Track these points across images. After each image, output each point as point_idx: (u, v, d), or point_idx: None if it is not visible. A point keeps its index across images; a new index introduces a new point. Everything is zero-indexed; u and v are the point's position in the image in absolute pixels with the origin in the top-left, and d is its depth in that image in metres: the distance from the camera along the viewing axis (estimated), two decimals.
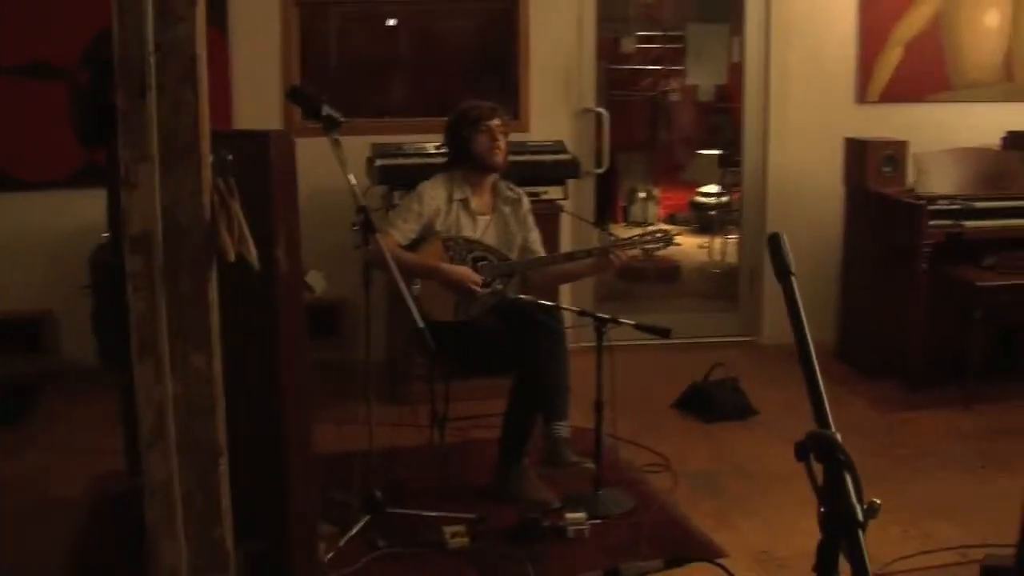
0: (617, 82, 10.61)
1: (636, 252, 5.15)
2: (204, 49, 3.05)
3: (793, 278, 2.18)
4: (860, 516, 1.80)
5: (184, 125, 3.02)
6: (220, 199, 3.11)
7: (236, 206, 3.13)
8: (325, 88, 7.10)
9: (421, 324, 4.10)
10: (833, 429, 1.90)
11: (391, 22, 7.66)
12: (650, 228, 5.39)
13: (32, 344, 6.97)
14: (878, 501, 1.83)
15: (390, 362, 6.49)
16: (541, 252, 5.28)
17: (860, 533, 1.78)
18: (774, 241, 2.21)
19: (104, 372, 6.47)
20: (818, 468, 1.91)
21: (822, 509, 1.84)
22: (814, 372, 2.02)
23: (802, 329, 2.08)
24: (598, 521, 4.71)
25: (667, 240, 5.16)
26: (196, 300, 3.09)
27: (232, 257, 3.08)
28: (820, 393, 1.99)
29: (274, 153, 3.52)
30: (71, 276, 6.67)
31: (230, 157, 3.15)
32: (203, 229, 3.06)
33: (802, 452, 1.89)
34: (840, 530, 1.81)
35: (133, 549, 3.79)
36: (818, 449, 1.87)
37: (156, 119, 2.98)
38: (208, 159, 3.08)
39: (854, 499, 1.81)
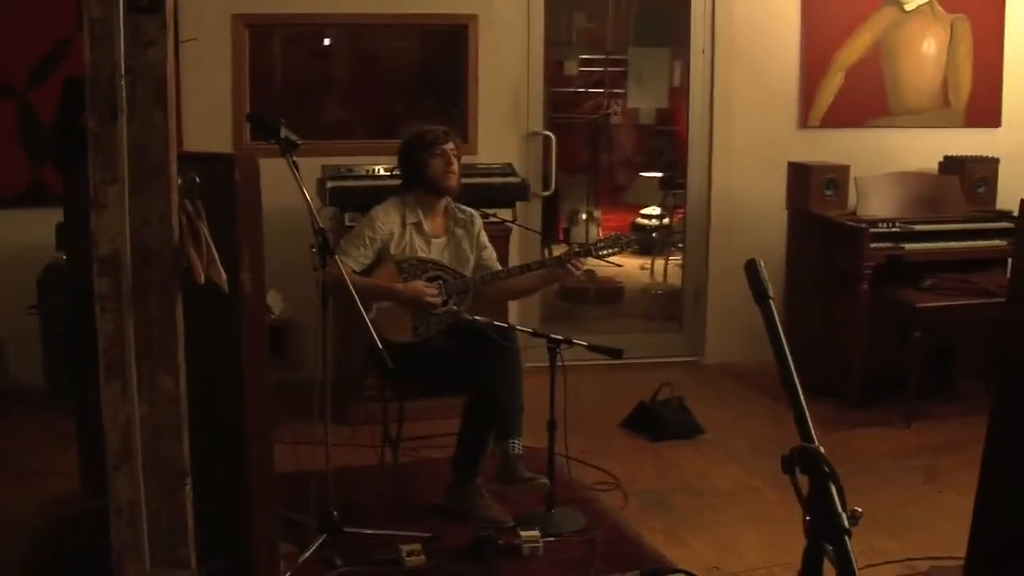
0: (559, 104, 10.63)
1: (590, 268, 5.20)
2: (173, 72, 3.07)
3: (771, 301, 2.25)
4: (846, 523, 1.91)
5: (154, 147, 3.04)
6: (188, 221, 3.13)
7: (204, 228, 3.15)
8: (271, 109, 7.11)
9: (379, 345, 4.13)
10: (817, 443, 1.98)
11: (331, 43, 7.67)
12: (610, 235, 5.41)
13: None
14: (860, 509, 1.92)
15: (341, 383, 6.49)
16: (496, 267, 5.32)
17: (847, 539, 1.89)
18: (752, 267, 2.28)
19: (52, 394, 6.47)
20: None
21: (807, 518, 1.93)
22: (796, 390, 2.11)
23: (782, 349, 2.16)
24: (552, 539, 4.76)
25: (624, 243, 5.17)
26: (164, 321, 3.11)
27: (202, 280, 3.10)
28: (803, 410, 2.08)
29: (239, 175, 3.54)
30: (17, 297, 6.65)
31: (198, 179, 3.18)
32: (172, 251, 3.08)
33: (788, 465, 1.97)
34: (824, 537, 1.92)
35: (91, 570, 3.80)
36: (804, 462, 1.96)
37: (126, 141, 3.01)
38: (176, 181, 3.11)
39: (839, 508, 1.89)
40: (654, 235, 10.67)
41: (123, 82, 2.98)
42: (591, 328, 8.39)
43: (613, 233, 5.41)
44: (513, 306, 6.96)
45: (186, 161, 3.18)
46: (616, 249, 5.12)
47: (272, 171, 4.33)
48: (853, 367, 6.71)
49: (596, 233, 10.99)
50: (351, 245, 5.07)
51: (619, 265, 5.47)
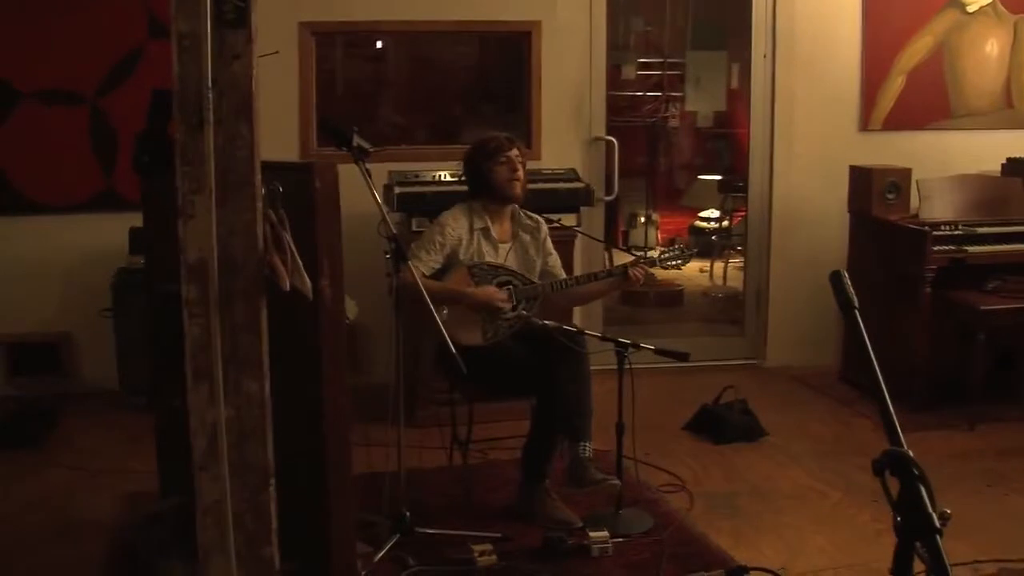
0: (617, 108, 10.68)
1: (655, 268, 5.25)
2: (259, 85, 3.14)
3: (856, 311, 2.28)
4: (937, 523, 1.98)
5: (240, 158, 3.11)
6: (272, 230, 3.20)
7: (288, 237, 3.22)
8: (334, 116, 7.18)
9: (453, 348, 4.18)
10: (905, 447, 2.03)
11: (392, 49, 7.74)
12: (675, 248, 5.50)
13: (52, 366, 7.04)
14: (948, 511, 1.97)
15: (410, 386, 6.55)
16: (562, 274, 5.37)
17: (938, 539, 1.96)
18: (837, 278, 2.32)
19: (125, 394, 6.58)
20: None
21: (898, 519, 2.00)
22: (884, 396, 2.16)
23: (869, 358, 2.20)
24: (620, 539, 4.79)
25: (687, 256, 5.27)
26: (249, 327, 3.18)
27: (288, 287, 3.17)
28: (891, 416, 2.14)
29: (319, 184, 3.61)
30: (91, 299, 6.77)
31: (280, 188, 3.25)
32: (257, 259, 3.15)
33: (879, 467, 2.02)
34: (916, 536, 1.99)
35: (173, 568, 3.88)
36: (894, 465, 2.00)
37: (213, 152, 3.08)
38: (261, 191, 3.17)
39: (930, 509, 1.96)
40: (713, 238, 10.68)
41: (210, 94, 3.05)
42: (652, 331, 8.42)
43: (678, 246, 5.48)
44: (577, 310, 7.00)
45: (269, 170, 3.25)
46: (680, 261, 5.23)
47: (342, 176, 4.39)
48: (916, 370, 6.69)
49: (655, 236, 11.03)
50: (421, 250, 5.13)
51: (679, 267, 5.51)
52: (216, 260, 3.12)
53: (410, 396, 6.42)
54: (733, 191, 9.79)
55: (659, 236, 11.22)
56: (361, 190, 4.42)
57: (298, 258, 3.23)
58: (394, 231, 4.47)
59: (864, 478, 5.59)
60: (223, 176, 3.10)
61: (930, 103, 7.88)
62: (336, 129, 4.59)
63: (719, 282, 10.14)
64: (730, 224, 10.31)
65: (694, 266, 10.46)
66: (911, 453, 2.01)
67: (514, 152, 5.23)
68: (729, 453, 6.09)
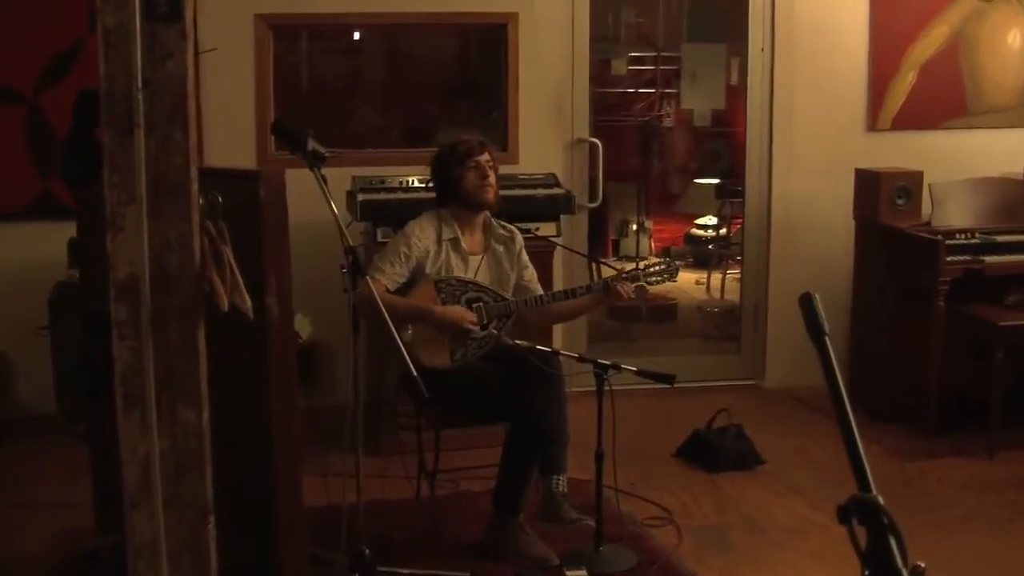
0: (607, 107, 10.70)
1: (640, 284, 5.24)
2: (194, 86, 3.13)
3: (827, 339, 2.27)
4: None
5: (174, 165, 3.09)
6: (211, 244, 3.19)
7: (228, 251, 3.21)
8: (298, 118, 7.17)
9: (414, 372, 4.17)
10: (875, 492, 2.01)
11: (362, 43, 7.74)
12: (653, 260, 5.50)
13: None
14: (923, 564, 1.94)
15: (373, 410, 6.54)
16: (538, 290, 5.37)
17: None
18: (807, 301, 2.30)
19: (63, 420, 6.55)
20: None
21: (866, 573, 1.95)
22: (852, 434, 2.14)
23: (838, 390, 2.18)
24: None
25: (672, 271, 5.25)
26: (185, 350, 3.16)
27: (226, 306, 3.15)
28: (860, 456, 2.11)
29: (265, 193, 3.60)
30: (27, 316, 6.73)
31: (220, 199, 3.24)
32: (193, 275, 3.13)
33: (845, 516, 1.99)
34: None
35: None
36: (861, 513, 1.98)
37: (144, 159, 3.06)
38: (198, 201, 3.16)
39: (899, 563, 1.92)
40: (710, 247, 10.69)
41: (140, 96, 3.04)
42: (642, 349, 8.43)
43: (665, 259, 5.48)
44: (559, 326, 6.99)
45: (208, 178, 3.24)
46: (664, 277, 5.22)
47: (299, 183, 4.40)
48: (929, 391, 6.69)
49: (648, 245, 11.03)
50: (385, 262, 5.13)
51: (672, 280, 5.50)
52: (148, 277, 3.10)
53: (374, 421, 6.42)
54: (732, 196, 9.79)
55: (652, 245, 11.23)
56: (322, 197, 4.42)
57: (238, 274, 3.22)
58: (351, 242, 4.45)
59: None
60: (155, 185, 3.08)
61: (945, 100, 7.88)
62: (289, 132, 4.57)
63: (717, 295, 10.14)
64: (728, 232, 10.32)
65: (690, 277, 10.47)
66: (880, 500, 1.99)
67: (484, 156, 5.24)
68: (722, 482, 6.08)
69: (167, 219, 3.11)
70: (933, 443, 6.57)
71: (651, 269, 5.24)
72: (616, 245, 11.19)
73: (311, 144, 4.46)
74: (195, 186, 3.14)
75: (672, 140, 11.38)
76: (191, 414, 3.19)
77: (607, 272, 5.51)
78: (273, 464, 3.70)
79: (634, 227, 11.00)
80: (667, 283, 5.39)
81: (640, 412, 6.85)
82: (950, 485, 6.04)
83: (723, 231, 10.54)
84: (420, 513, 5.38)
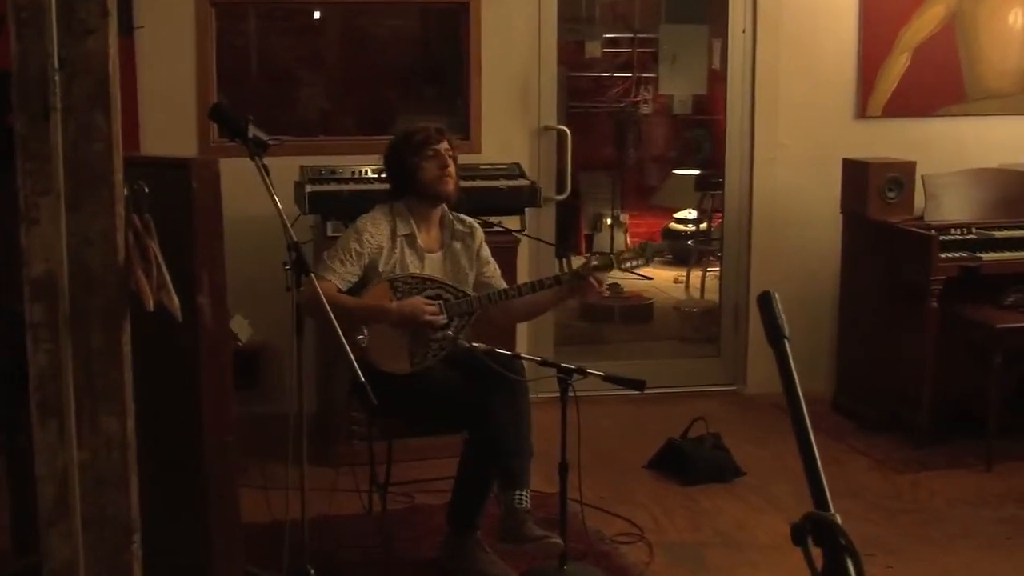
0: (580, 92, 10.70)
1: (613, 273, 5.19)
2: (116, 66, 3.09)
3: (787, 342, 2.25)
4: None
5: (95, 153, 3.05)
6: (136, 239, 3.15)
7: (154, 247, 3.17)
8: (245, 103, 7.13)
9: (362, 378, 4.14)
10: (832, 510, 1.98)
11: (315, 23, 7.70)
12: (636, 245, 5.41)
13: None
14: None
15: (322, 418, 6.51)
16: (501, 285, 5.33)
17: None
18: (766, 301, 2.28)
19: None
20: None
21: None
22: (811, 447, 2.11)
23: (797, 399, 2.16)
24: None
25: (648, 255, 5.16)
26: (108, 354, 3.12)
27: (152, 306, 3.12)
28: (818, 471, 2.08)
29: (196, 184, 3.57)
30: None
31: (147, 189, 3.20)
32: (116, 273, 3.10)
33: (799, 535, 1.96)
34: None
35: None
36: (817, 533, 1.95)
37: (62, 146, 3.02)
38: (122, 192, 3.12)
39: None
40: (690, 243, 10.67)
41: (56, 77, 2.99)
42: (614, 352, 8.42)
43: (640, 242, 5.41)
44: (523, 327, 6.97)
45: (134, 167, 3.20)
46: (642, 261, 5.12)
47: (244, 173, 4.34)
48: (921, 398, 6.67)
49: (623, 241, 11.01)
50: (335, 260, 5.08)
51: (649, 278, 5.48)
52: (67, 274, 3.07)
53: (326, 430, 6.40)
54: (712, 188, 9.76)
55: (628, 240, 11.22)
56: (262, 191, 4.38)
57: (165, 271, 3.18)
58: (295, 238, 4.40)
59: (858, 526, 5.56)
60: (75, 175, 3.05)
61: (940, 85, 7.86)
62: (228, 117, 4.54)
63: (697, 294, 10.13)
64: (709, 227, 10.31)
65: (667, 275, 10.46)
66: (838, 519, 1.96)
67: (444, 145, 5.20)
68: (698, 496, 6.06)
69: (88, 212, 3.08)
70: (926, 454, 6.57)
71: (625, 254, 5.16)
72: (589, 241, 11.17)
73: (252, 131, 4.43)
74: (119, 176, 3.10)
75: (650, 128, 11.38)
76: (114, 423, 3.16)
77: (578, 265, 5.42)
78: (205, 477, 3.66)
79: (608, 221, 10.98)
80: (644, 280, 5.37)
81: (611, 420, 6.83)
82: (944, 499, 6.02)
83: (703, 226, 10.52)
84: (371, 529, 5.34)
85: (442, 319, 5.04)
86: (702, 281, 10.16)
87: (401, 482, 5.52)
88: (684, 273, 10.49)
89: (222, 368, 3.80)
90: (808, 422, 2.14)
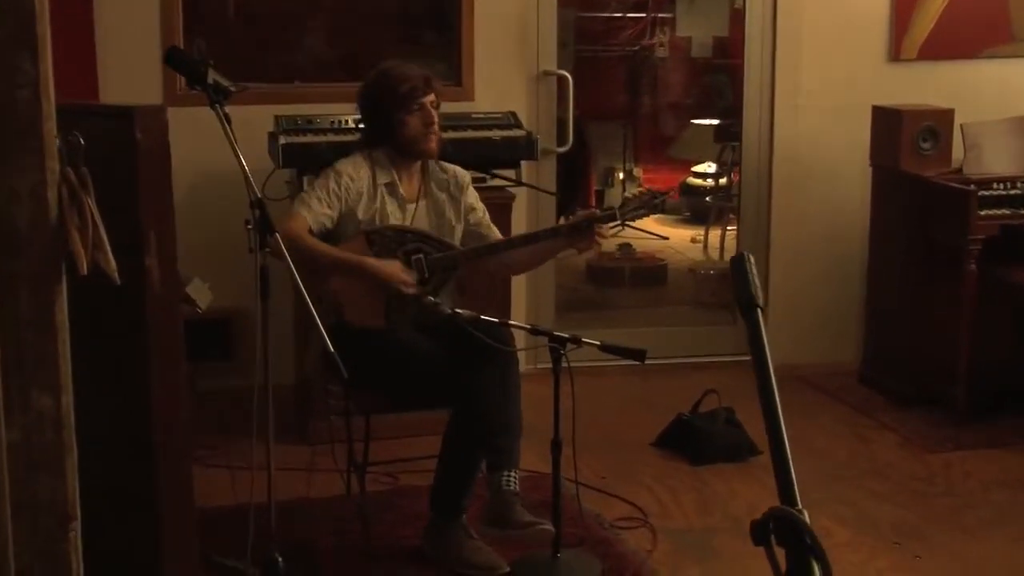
0: (589, 34, 10.65)
1: (621, 231, 5.16)
2: (45, 1, 3.03)
3: (759, 311, 2.19)
4: None
5: (20, 100, 3.00)
6: (70, 194, 3.10)
7: (90, 203, 3.12)
8: (221, 46, 7.08)
9: (331, 348, 4.11)
10: (800, 506, 1.92)
11: None
12: (641, 194, 5.34)
13: None
14: None
15: (300, 390, 6.48)
16: (493, 232, 5.32)
17: None
18: (738, 264, 2.22)
19: None
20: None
21: None
22: (780, 432, 2.06)
23: (767, 377, 2.11)
24: None
25: (656, 204, 5.12)
26: (40, 324, 3.07)
27: (85, 269, 3.07)
28: (786, 461, 2.02)
29: (141, 134, 3.52)
30: None
31: (82, 141, 3.15)
32: (47, 233, 3.05)
33: (760, 534, 1.91)
34: None
35: None
36: (781, 531, 1.90)
37: None
38: (54, 144, 3.07)
39: None
40: (708, 199, 10.63)
41: None
42: (623, 319, 8.40)
43: (645, 190, 5.34)
44: (520, 291, 6.93)
45: (68, 116, 3.14)
46: (646, 211, 5.08)
47: (215, 124, 4.32)
48: (958, 371, 6.63)
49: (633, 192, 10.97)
50: (311, 197, 5.04)
51: (664, 237, 5.43)
52: None
53: (303, 403, 6.37)
54: (733, 139, 9.69)
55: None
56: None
57: (102, 230, 3.13)
58: (258, 194, 4.36)
59: (884, 510, 5.56)
60: None
61: (984, 23, 7.79)
62: (186, 62, 4.51)
63: (716, 255, 10.07)
64: (730, 181, 10.25)
65: (684, 234, 10.42)
66: (805, 516, 1.90)
67: (430, 97, 5.15)
68: (708, 476, 6.04)
69: (14, 165, 3.03)
70: (962, 431, 6.51)
71: (629, 206, 5.12)
72: (600, 196, 11.13)
73: (212, 76, 4.39)
74: (50, 125, 3.05)
75: (666, 73, 11.30)
76: (48, 400, 3.11)
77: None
78: (154, 457, 3.62)
79: (620, 176, 10.94)
80: (658, 239, 5.31)
81: (615, 394, 6.81)
82: (980, 482, 5.99)
83: (723, 180, 10.46)
84: (349, 513, 5.32)
85: (414, 291, 5.01)
86: (721, 241, 10.09)
87: (383, 461, 5.49)
88: (702, 232, 10.44)
89: (173, 336, 3.76)
90: (778, 404, 2.09)
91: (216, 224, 6.04)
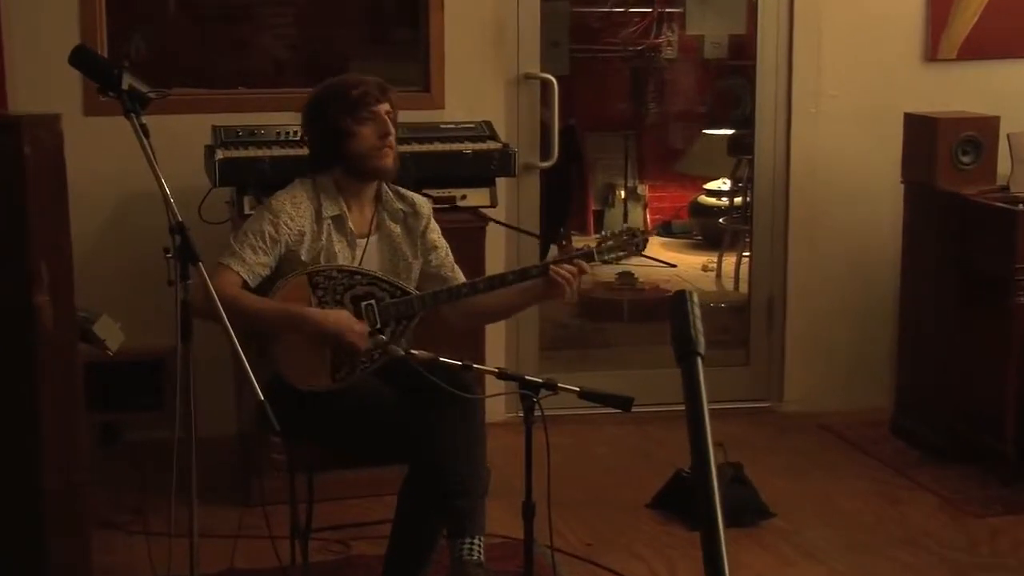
0: (587, 32, 10.66)
1: (591, 264, 5.14)
2: None
3: (699, 359, 2.15)
4: None
5: None
6: None
7: None
8: (158, 48, 7.08)
9: (260, 396, 4.06)
10: None
11: None
12: (615, 232, 5.33)
13: None
14: None
15: (241, 443, 6.45)
16: (455, 275, 5.28)
17: None
18: (678, 303, 2.19)
19: None
20: None
21: None
22: (713, 506, 2.02)
23: (703, 436, 2.07)
24: None
25: (637, 245, 5.12)
26: None
27: None
28: (718, 542, 1.98)
29: (30, 148, 3.48)
30: None
31: None
32: None
33: None
34: None
35: None
36: None
37: None
38: None
39: None
40: (721, 221, 10.62)
41: None
42: (619, 359, 8.39)
43: (625, 226, 5.33)
44: (497, 327, 6.92)
45: None
46: (623, 252, 5.09)
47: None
48: (1005, 419, 6.60)
49: (641, 218, 10.98)
50: (243, 245, 4.96)
51: (672, 264, 5.41)
52: None
53: (246, 459, 6.34)
54: (750, 152, 9.67)
55: (648, 218, 11.18)
56: (172, 158, 4.32)
57: None
58: (179, 219, 4.31)
59: None
60: None
61: None
62: (94, 64, 4.47)
63: (729, 284, 10.05)
64: (745, 201, 10.22)
65: (695, 261, 10.41)
66: None
67: (385, 107, 5.10)
68: None
69: None
70: (1010, 492, 6.48)
71: (608, 244, 5.10)
72: (599, 218, 11.12)
73: (127, 80, 4.35)
74: None
75: (674, 77, 11.34)
76: None
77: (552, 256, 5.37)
78: (43, 528, 3.57)
79: (622, 194, 10.94)
80: (665, 267, 5.30)
81: (607, 447, 6.79)
82: None
83: (738, 200, 10.45)
84: None
85: (366, 345, 4.94)
86: (736, 269, 10.08)
87: (331, 526, 5.46)
88: (715, 259, 10.42)
89: (69, 383, 3.71)
90: (714, 472, 2.05)
91: (146, 251, 5.98)
